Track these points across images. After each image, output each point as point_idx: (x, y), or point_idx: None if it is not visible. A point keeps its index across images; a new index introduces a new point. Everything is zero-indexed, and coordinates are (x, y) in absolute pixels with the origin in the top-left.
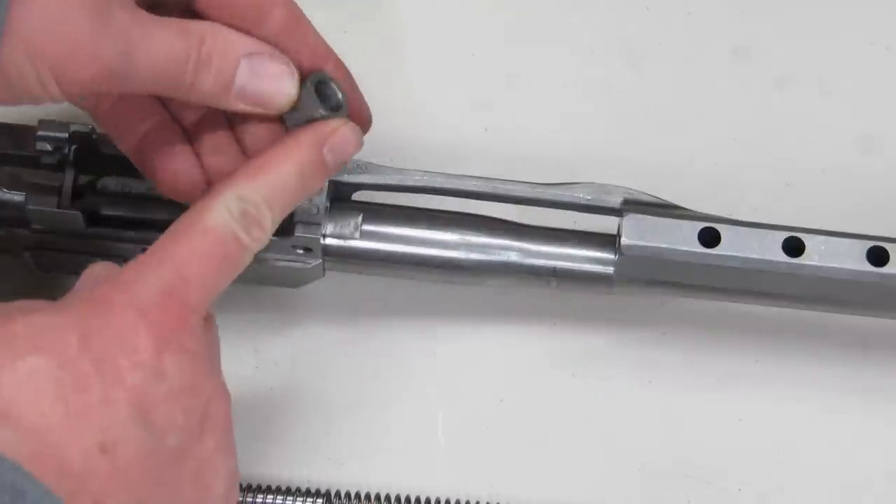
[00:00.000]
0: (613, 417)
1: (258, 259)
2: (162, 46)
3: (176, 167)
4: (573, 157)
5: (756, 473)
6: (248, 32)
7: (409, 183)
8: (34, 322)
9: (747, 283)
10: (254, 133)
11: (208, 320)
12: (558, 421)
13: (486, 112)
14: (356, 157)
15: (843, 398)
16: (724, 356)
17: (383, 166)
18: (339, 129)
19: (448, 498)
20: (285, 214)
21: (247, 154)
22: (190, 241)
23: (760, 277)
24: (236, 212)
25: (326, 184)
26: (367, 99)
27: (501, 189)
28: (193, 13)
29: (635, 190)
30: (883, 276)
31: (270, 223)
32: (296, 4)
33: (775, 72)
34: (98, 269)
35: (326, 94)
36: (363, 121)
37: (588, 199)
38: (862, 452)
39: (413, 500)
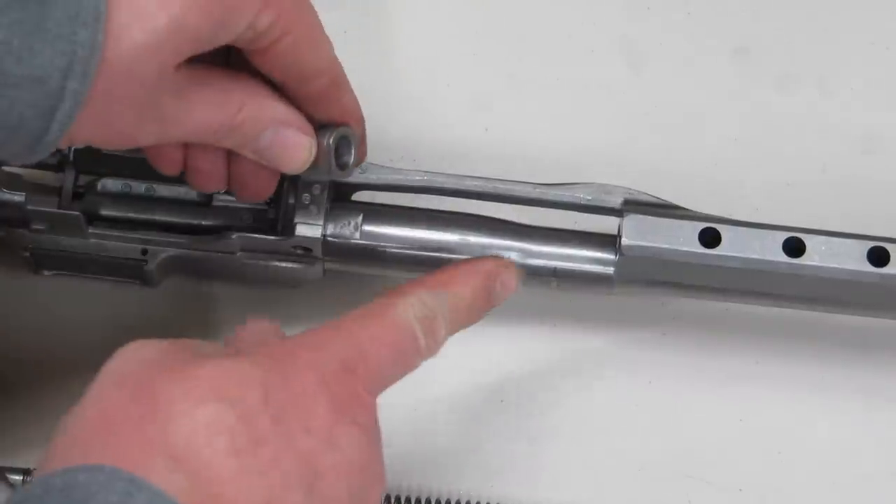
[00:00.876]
0: (613, 417)
1: (258, 259)
2: (199, 120)
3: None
4: (573, 157)
5: (756, 473)
6: (289, 89)
7: (409, 183)
8: (218, 367)
9: (748, 284)
10: None
11: (376, 407)
12: (558, 421)
13: (486, 112)
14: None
15: (843, 398)
16: (724, 357)
17: (383, 166)
18: (511, 268)
19: (448, 498)
20: (452, 334)
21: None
22: (374, 326)
23: (761, 278)
24: (419, 314)
25: (327, 183)
26: (365, 99)
27: (501, 189)
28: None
29: (635, 190)
30: (883, 276)
31: (442, 337)
32: (340, 67)
33: (775, 72)
34: (263, 327)
35: (340, 150)
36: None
37: (588, 200)
38: (862, 452)
39: (413, 499)
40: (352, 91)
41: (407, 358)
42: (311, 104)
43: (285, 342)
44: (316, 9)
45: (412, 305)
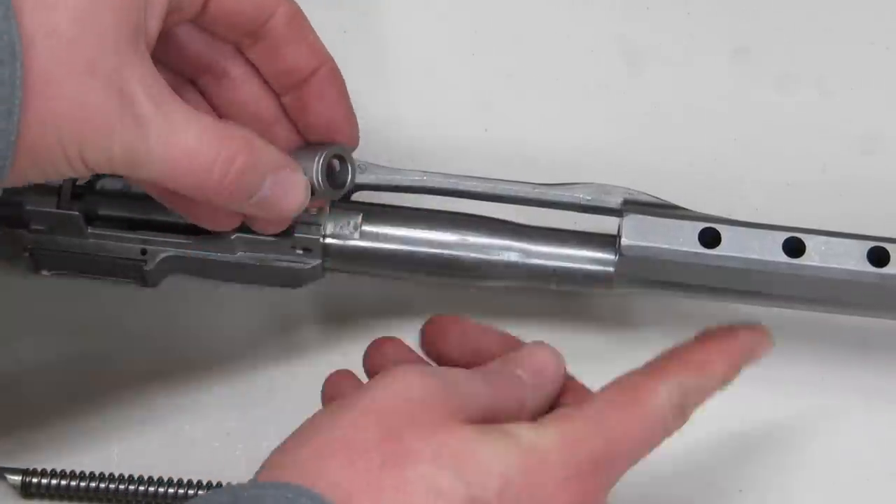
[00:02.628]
0: None
1: (258, 259)
2: (185, 148)
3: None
4: (573, 157)
5: (756, 474)
6: (253, 34)
7: (409, 183)
8: (469, 442)
9: (748, 284)
10: None
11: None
12: None
13: (486, 112)
14: (357, 157)
15: (843, 398)
16: None
17: (383, 166)
18: (764, 337)
19: None
20: (697, 408)
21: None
22: (630, 420)
23: (761, 278)
24: (676, 400)
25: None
26: (366, 98)
27: (501, 189)
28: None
29: (635, 190)
30: (883, 276)
31: (690, 414)
32: (296, 4)
33: (775, 72)
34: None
35: (333, 170)
36: (351, 139)
37: (588, 200)
38: (862, 452)
39: None
40: (316, 34)
41: (650, 444)
42: (272, 56)
43: (543, 430)
44: (316, 8)
45: (671, 393)
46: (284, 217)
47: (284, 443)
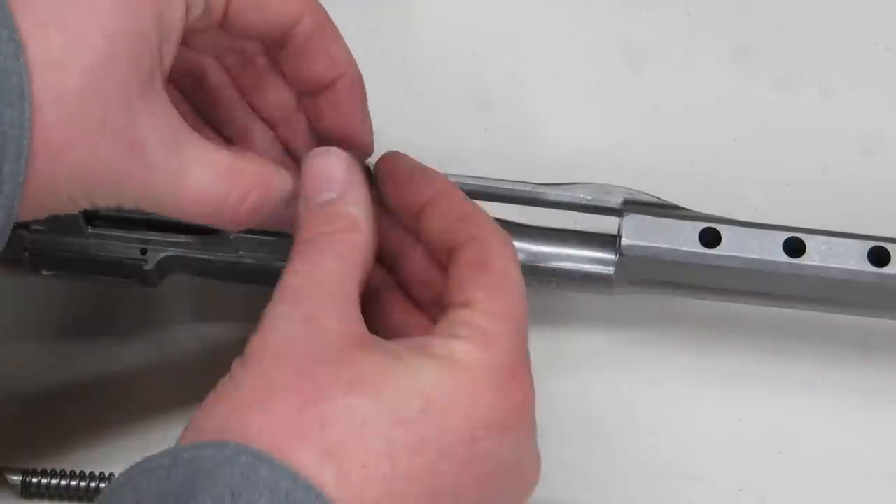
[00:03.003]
0: (613, 418)
1: (258, 259)
2: (195, 190)
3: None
4: (573, 157)
5: (756, 473)
6: (276, 41)
7: None
8: (381, 365)
9: (748, 284)
10: None
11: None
12: (558, 421)
13: (486, 112)
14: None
15: (843, 398)
16: (724, 356)
17: None
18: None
19: None
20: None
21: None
22: (507, 291)
23: (761, 278)
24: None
25: None
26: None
27: (501, 189)
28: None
29: (635, 190)
30: (884, 276)
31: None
32: (324, 12)
33: (775, 72)
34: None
35: None
36: (363, 150)
37: (588, 199)
38: (862, 452)
39: None
40: (342, 41)
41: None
42: (293, 62)
43: (452, 343)
44: None
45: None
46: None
47: (203, 403)
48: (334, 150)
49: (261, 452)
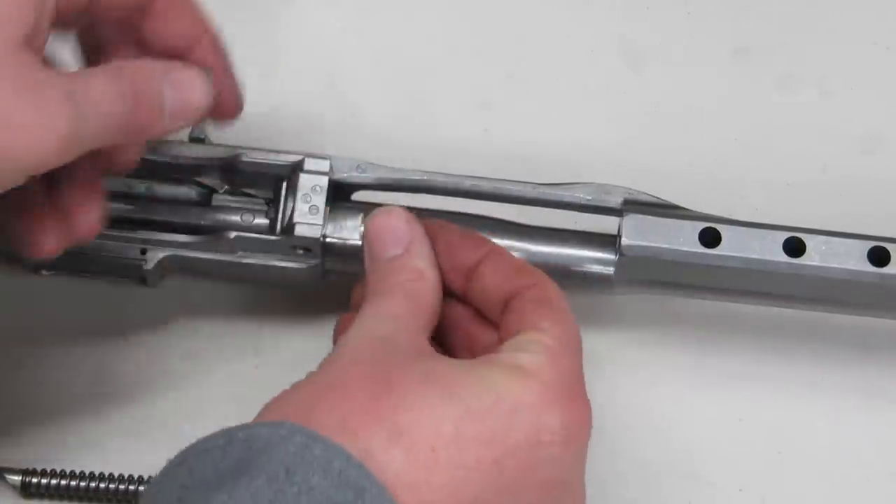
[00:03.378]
0: (613, 418)
1: (258, 259)
2: (103, 94)
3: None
4: (573, 157)
5: (756, 473)
6: (139, 11)
7: (409, 183)
8: (453, 365)
9: (748, 284)
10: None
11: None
12: None
13: (486, 112)
14: (357, 157)
15: (843, 398)
16: (724, 356)
17: (383, 166)
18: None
19: None
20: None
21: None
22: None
23: (761, 278)
24: None
25: (326, 183)
26: (366, 98)
27: (501, 189)
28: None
29: (635, 190)
30: (883, 276)
31: None
32: None
33: (775, 72)
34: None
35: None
36: (232, 106)
37: (588, 199)
38: (862, 452)
39: None
40: (197, 4)
41: None
42: (158, 30)
43: (521, 355)
44: (316, 8)
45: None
46: (200, 113)
47: (277, 396)
48: (395, 208)
49: (315, 433)
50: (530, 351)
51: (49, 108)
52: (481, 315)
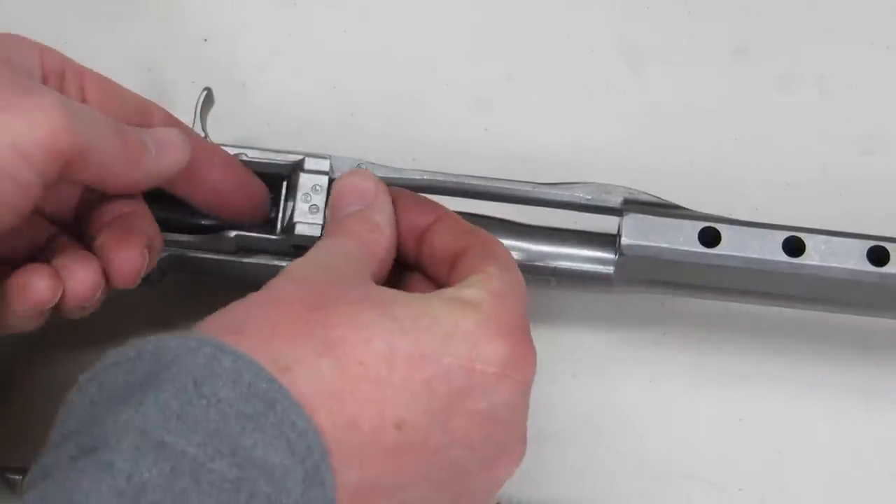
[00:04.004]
0: (613, 417)
1: (258, 259)
2: (96, 113)
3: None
4: (573, 157)
5: (756, 473)
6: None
7: (409, 183)
8: (390, 292)
9: (748, 283)
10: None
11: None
12: (558, 421)
13: (486, 112)
14: (357, 157)
15: (843, 398)
16: (724, 356)
17: (383, 166)
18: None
19: None
20: None
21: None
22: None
23: (761, 277)
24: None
25: (326, 182)
26: (365, 98)
27: (501, 189)
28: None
29: (635, 190)
30: (883, 276)
31: None
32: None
33: (775, 72)
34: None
35: None
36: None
37: (588, 199)
38: (862, 452)
39: None
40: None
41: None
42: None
43: (468, 289)
44: (317, 7)
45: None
46: (181, 155)
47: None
48: (363, 170)
49: (224, 344)
50: (474, 286)
51: (43, 100)
52: (432, 282)
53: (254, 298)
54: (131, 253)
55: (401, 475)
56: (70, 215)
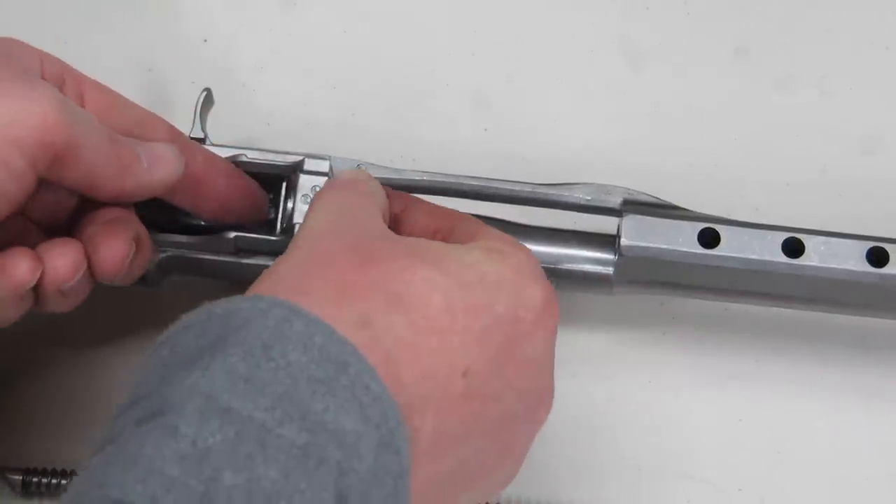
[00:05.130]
0: (613, 417)
1: (258, 259)
2: (90, 115)
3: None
4: (573, 157)
5: (756, 473)
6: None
7: (409, 183)
8: (432, 244)
9: (747, 284)
10: None
11: None
12: (558, 421)
13: (486, 112)
14: (356, 157)
15: (843, 398)
16: (724, 356)
17: (383, 166)
18: None
19: None
20: None
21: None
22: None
23: (760, 278)
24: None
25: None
26: (366, 98)
27: (501, 189)
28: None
29: (635, 190)
30: (883, 276)
31: None
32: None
33: (775, 72)
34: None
35: None
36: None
37: (588, 200)
38: (862, 452)
39: None
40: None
41: None
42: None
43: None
44: (317, 8)
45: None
46: (173, 169)
47: (266, 271)
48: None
49: (296, 306)
50: (496, 240)
51: (40, 92)
52: None
53: (302, 256)
54: (118, 242)
55: (466, 424)
56: (63, 227)
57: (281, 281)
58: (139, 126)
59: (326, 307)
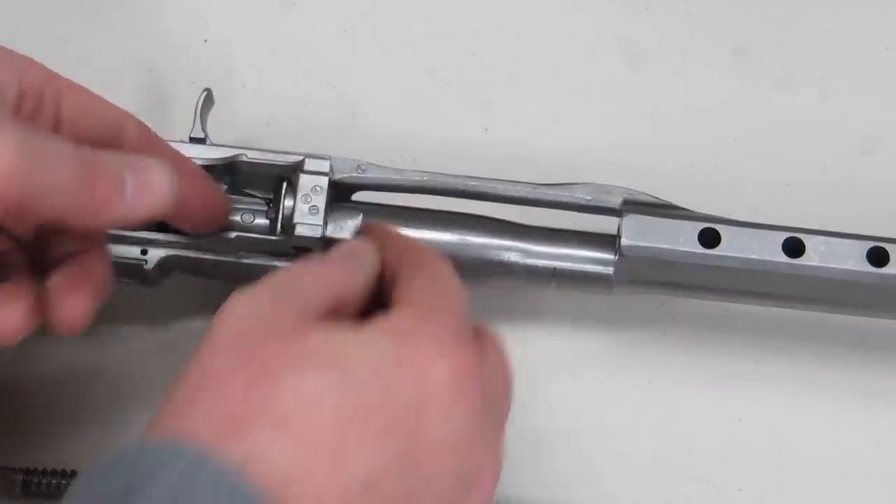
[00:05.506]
0: (613, 417)
1: (258, 259)
2: (61, 152)
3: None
4: (573, 157)
5: (756, 473)
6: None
7: (409, 183)
8: (329, 339)
9: (747, 284)
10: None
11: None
12: (558, 421)
13: (486, 112)
14: (357, 157)
15: (843, 398)
16: (724, 356)
17: (383, 166)
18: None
19: None
20: None
21: None
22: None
23: (760, 278)
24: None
25: (326, 183)
26: (365, 98)
27: (501, 189)
28: None
29: (635, 190)
30: (883, 276)
31: None
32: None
33: (775, 72)
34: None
35: None
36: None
37: (588, 200)
38: (862, 452)
39: None
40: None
41: None
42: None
43: (396, 314)
44: (318, 9)
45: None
46: (163, 198)
47: (161, 400)
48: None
49: (200, 453)
50: (401, 311)
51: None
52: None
53: (189, 379)
54: (80, 300)
55: None
56: (30, 234)
57: (170, 416)
58: (116, 127)
59: (215, 443)
